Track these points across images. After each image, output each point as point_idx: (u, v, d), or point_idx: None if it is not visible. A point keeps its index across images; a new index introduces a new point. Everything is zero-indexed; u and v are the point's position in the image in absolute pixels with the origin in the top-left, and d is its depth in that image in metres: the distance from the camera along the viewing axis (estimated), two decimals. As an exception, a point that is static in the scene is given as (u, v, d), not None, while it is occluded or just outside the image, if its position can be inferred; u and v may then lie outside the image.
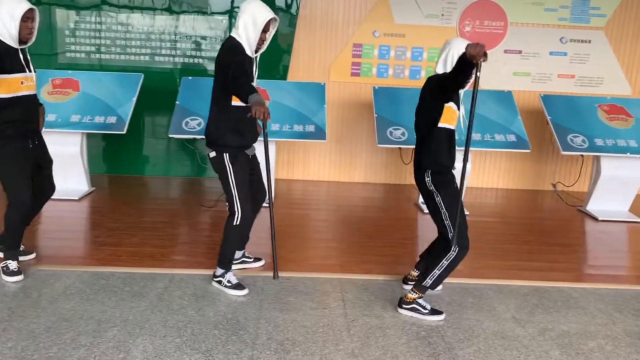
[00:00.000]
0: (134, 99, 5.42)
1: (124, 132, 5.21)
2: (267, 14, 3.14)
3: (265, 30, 3.19)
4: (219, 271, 3.44)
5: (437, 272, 3.15)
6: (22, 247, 3.67)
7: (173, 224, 4.73)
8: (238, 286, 3.39)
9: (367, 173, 6.84)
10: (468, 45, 2.71)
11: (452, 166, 3.17)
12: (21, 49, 3.27)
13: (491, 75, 6.54)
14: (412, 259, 4.03)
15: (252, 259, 3.81)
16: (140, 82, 5.57)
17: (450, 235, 3.11)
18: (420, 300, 3.22)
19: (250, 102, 2.83)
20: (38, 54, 6.06)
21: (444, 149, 3.12)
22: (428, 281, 3.17)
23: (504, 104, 5.81)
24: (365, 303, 3.33)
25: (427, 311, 3.19)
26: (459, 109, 3.16)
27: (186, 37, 6.28)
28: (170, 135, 5.22)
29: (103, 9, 6.15)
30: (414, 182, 3.28)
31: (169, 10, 6.21)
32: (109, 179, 6.30)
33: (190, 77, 5.73)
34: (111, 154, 6.52)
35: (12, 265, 3.43)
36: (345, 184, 6.65)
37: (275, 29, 3.32)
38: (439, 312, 3.23)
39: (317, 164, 6.77)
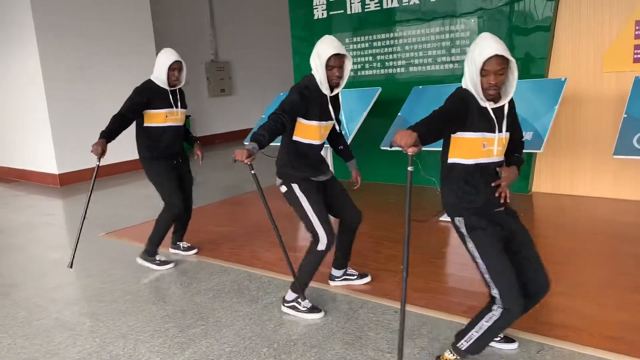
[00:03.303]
0: (365, 113, 5.68)
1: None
2: (329, 50, 2.95)
3: (332, 66, 2.98)
4: (291, 295, 3.27)
5: (474, 334, 2.38)
6: (187, 244, 4.51)
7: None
8: (313, 309, 3.22)
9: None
10: (396, 132, 2.13)
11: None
12: (171, 90, 4.04)
13: None
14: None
15: (356, 276, 3.61)
16: (376, 95, 5.80)
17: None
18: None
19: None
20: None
21: None
22: (464, 344, 2.43)
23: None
24: (377, 337, 2.85)
25: None
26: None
27: (435, 42, 6.13)
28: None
29: (367, 31, 6.65)
30: None
31: (420, 20, 6.18)
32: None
33: (420, 87, 5.61)
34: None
35: (158, 257, 4.24)
36: (632, 203, 5.13)
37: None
38: None
39: (592, 176, 5.44)
